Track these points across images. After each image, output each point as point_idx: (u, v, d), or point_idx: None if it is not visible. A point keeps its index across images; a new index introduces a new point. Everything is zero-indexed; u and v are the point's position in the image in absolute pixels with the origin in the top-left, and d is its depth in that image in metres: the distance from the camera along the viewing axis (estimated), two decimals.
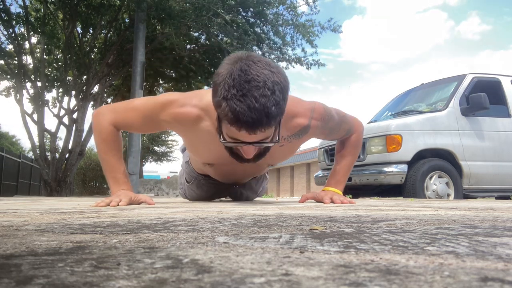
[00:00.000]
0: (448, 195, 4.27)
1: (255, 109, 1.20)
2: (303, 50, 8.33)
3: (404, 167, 4.22)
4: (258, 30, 8.13)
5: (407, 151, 4.24)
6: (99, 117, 1.68)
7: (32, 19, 8.40)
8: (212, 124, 1.52)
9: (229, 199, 2.82)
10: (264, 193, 2.70)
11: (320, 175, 5.30)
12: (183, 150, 2.43)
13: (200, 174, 2.21)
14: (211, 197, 2.41)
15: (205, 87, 11.18)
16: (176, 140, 23.14)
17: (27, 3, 8.46)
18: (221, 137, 1.39)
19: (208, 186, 2.25)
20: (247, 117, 1.21)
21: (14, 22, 7.95)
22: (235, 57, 1.30)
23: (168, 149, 23.75)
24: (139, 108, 1.65)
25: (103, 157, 1.69)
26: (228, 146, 1.43)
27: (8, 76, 8.83)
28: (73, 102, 8.70)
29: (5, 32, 8.07)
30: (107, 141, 1.66)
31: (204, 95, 1.56)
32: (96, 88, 9.03)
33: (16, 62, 8.45)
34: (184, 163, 2.34)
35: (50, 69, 9.58)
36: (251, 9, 7.78)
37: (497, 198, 4.73)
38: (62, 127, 8.60)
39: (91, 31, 8.89)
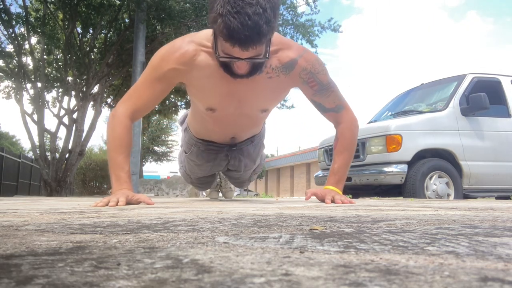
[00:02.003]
0: (448, 195, 4.27)
1: (248, 26, 1.31)
2: None
3: (404, 167, 4.22)
4: None
5: (407, 151, 4.25)
6: (114, 115, 1.74)
7: (32, 19, 8.39)
8: (210, 56, 1.63)
9: (228, 199, 2.81)
10: (262, 169, 2.68)
11: (320, 175, 5.30)
12: (182, 121, 2.43)
13: (199, 139, 2.22)
14: (211, 170, 2.40)
15: None
16: (176, 140, 23.13)
17: (27, 3, 8.46)
18: (216, 52, 1.50)
19: (207, 153, 2.26)
20: (240, 34, 1.32)
21: (14, 22, 7.94)
22: None
23: (168, 149, 23.76)
24: (146, 78, 1.74)
25: (111, 154, 1.70)
26: (223, 61, 1.53)
27: (8, 77, 8.83)
28: (73, 102, 8.71)
29: (5, 32, 8.07)
30: (117, 139, 1.70)
31: (196, 34, 1.71)
32: (96, 88, 9.03)
33: (16, 62, 8.44)
34: (183, 132, 2.37)
35: (50, 69, 9.58)
36: None
37: (497, 198, 4.74)
38: (62, 127, 8.60)
39: (91, 31, 8.88)
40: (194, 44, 1.66)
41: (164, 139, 22.94)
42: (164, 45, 1.79)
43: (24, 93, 8.41)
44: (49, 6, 8.36)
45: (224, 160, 2.32)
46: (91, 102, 8.79)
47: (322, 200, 1.86)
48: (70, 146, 8.32)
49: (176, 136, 23.34)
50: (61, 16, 8.65)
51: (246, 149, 2.30)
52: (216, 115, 1.93)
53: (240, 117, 1.93)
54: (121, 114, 1.72)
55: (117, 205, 1.50)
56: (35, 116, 8.23)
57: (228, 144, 2.22)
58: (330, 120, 1.95)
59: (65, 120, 8.59)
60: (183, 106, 12.97)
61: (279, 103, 1.96)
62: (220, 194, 3.25)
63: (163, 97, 1.83)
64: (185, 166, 2.47)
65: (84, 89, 8.45)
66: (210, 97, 1.84)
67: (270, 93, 1.82)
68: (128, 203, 1.60)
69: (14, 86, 9.10)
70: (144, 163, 22.33)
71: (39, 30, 8.02)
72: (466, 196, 4.38)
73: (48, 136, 8.66)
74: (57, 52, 9.36)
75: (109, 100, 11.36)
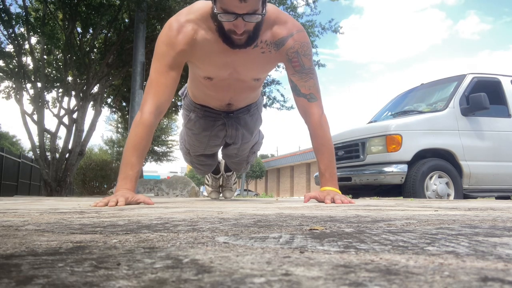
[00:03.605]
0: (448, 195, 4.27)
1: None
2: None
3: (404, 167, 4.22)
4: None
5: (407, 151, 4.25)
6: (139, 115, 1.78)
7: (32, 19, 8.39)
8: (207, 31, 1.74)
9: (228, 199, 2.82)
10: (260, 147, 2.69)
11: None
12: (183, 93, 2.46)
13: (197, 104, 2.26)
14: (209, 142, 2.40)
15: None
16: (176, 140, 23.10)
17: (27, 3, 8.46)
18: (215, 9, 1.59)
19: (205, 119, 2.28)
20: None
21: (14, 22, 7.94)
22: None
23: (168, 149, 23.75)
24: (156, 69, 1.80)
25: (126, 153, 1.73)
26: (222, 20, 1.62)
27: (8, 77, 8.83)
28: (73, 102, 8.71)
29: (5, 32, 8.07)
30: (138, 139, 1.73)
31: (190, 10, 1.79)
32: (96, 88, 9.02)
33: (16, 62, 8.44)
34: (183, 100, 2.41)
35: (50, 69, 9.57)
36: None
37: (497, 198, 4.74)
38: (62, 127, 8.60)
39: (91, 31, 8.87)
40: (192, 23, 1.75)
41: (164, 139, 22.91)
42: (164, 32, 1.83)
43: (24, 93, 8.41)
44: (49, 6, 8.35)
45: (222, 130, 2.33)
46: (91, 102, 8.79)
47: (322, 201, 1.86)
48: (70, 146, 8.32)
49: (176, 136, 23.35)
50: (61, 16, 8.64)
51: (243, 118, 2.32)
52: (213, 82, 2.01)
53: (235, 83, 2.02)
54: (147, 112, 1.76)
55: (116, 205, 1.50)
56: (35, 116, 8.22)
57: (225, 111, 2.25)
58: (299, 109, 2.00)
59: (65, 120, 8.59)
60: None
61: (267, 74, 2.12)
62: (220, 195, 3.26)
63: (178, 82, 1.87)
64: (185, 139, 2.49)
65: (84, 89, 8.45)
66: (209, 68, 1.93)
67: (262, 65, 1.94)
68: (128, 203, 1.60)
69: (14, 86, 9.10)
70: (144, 163, 22.34)
71: (39, 30, 8.01)
72: (466, 196, 4.38)
73: (48, 136, 8.66)
74: (57, 52, 9.35)
75: (109, 100, 11.36)
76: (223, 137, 2.38)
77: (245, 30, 1.66)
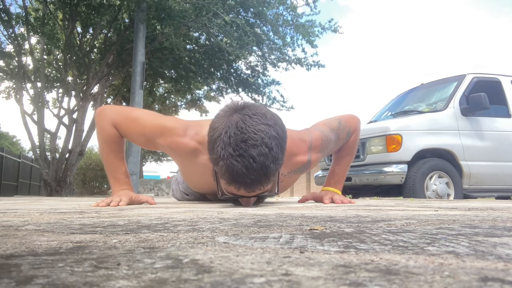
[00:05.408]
0: (448, 195, 4.27)
1: (253, 169, 1.19)
2: (303, 50, 8.31)
3: (404, 167, 4.22)
4: (258, 30, 8.12)
5: (407, 151, 4.24)
6: (102, 117, 1.68)
7: (32, 19, 8.38)
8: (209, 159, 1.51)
9: None
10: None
11: (320, 175, 5.30)
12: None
13: (196, 191, 2.14)
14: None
15: (205, 87, 11.17)
16: None
17: (27, 3, 8.46)
18: (219, 193, 1.38)
19: (205, 198, 2.17)
20: (245, 178, 1.20)
21: (14, 22, 7.94)
22: (230, 108, 1.27)
23: None
24: (139, 123, 1.64)
25: (104, 157, 1.69)
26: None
27: (8, 77, 8.83)
28: (73, 102, 8.71)
29: (5, 32, 8.07)
30: (108, 142, 1.66)
31: (204, 127, 1.49)
32: (96, 88, 9.03)
33: (16, 62, 8.44)
34: (180, 177, 2.23)
35: (50, 69, 9.58)
36: (251, 9, 7.77)
37: (497, 198, 4.73)
38: (62, 127, 8.60)
39: (91, 31, 8.88)
40: (197, 143, 1.52)
41: None
42: (174, 117, 1.68)
43: (24, 93, 8.41)
44: (49, 6, 8.35)
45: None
46: (91, 102, 8.79)
47: (321, 201, 1.86)
48: (70, 146, 8.32)
49: None
50: (61, 16, 8.64)
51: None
52: (210, 196, 1.90)
53: None
54: (107, 122, 1.65)
55: (119, 205, 1.50)
56: (35, 116, 8.23)
57: None
58: None
59: (65, 120, 8.59)
60: (183, 106, 12.98)
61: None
62: None
63: (143, 148, 1.76)
64: (177, 198, 2.36)
65: (84, 89, 8.45)
66: (202, 187, 1.78)
67: (281, 189, 1.69)
68: (130, 203, 1.60)
69: (14, 86, 9.10)
70: (144, 163, 22.30)
71: (39, 30, 8.01)
72: (466, 196, 4.38)
73: (48, 136, 8.66)
74: (57, 52, 9.36)
75: (109, 100, 11.36)
76: None
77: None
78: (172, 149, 1.58)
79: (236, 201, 1.45)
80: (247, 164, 1.18)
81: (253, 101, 1.44)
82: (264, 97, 9.48)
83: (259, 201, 1.47)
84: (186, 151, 1.55)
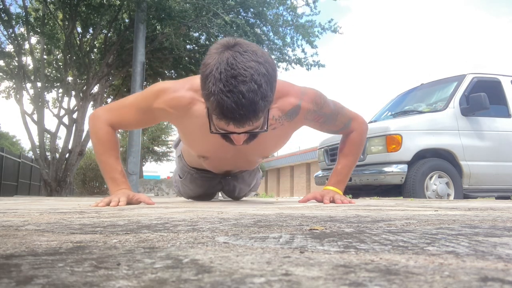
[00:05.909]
0: (448, 195, 4.27)
1: (242, 104, 1.21)
2: (303, 51, 8.31)
3: (404, 167, 4.22)
4: (258, 30, 8.12)
5: (407, 151, 4.25)
6: (95, 119, 1.69)
7: (32, 19, 8.39)
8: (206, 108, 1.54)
9: (229, 199, 2.82)
10: (258, 188, 2.68)
11: (320, 175, 5.30)
12: (176, 145, 2.42)
13: (193, 168, 2.20)
14: (205, 193, 2.40)
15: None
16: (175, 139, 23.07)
17: (27, 3, 8.46)
18: (211, 128, 1.41)
19: (201, 180, 2.25)
20: (235, 113, 1.23)
21: (14, 22, 7.94)
22: (222, 45, 1.28)
23: (168, 149, 23.75)
24: (132, 102, 1.66)
25: (100, 158, 1.69)
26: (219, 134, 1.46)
27: (8, 77, 8.83)
28: (73, 102, 8.71)
29: (5, 32, 8.07)
30: (104, 142, 1.67)
31: (195, 78, 1.53)
32: (96, 88, 9.03)
33: (16, 62, 8.44)
34: (177, 158, 2.33)
35: (50, 69, 9.58)
36: (251, 9, 7.77)
37: (497, 198, 4.73)
38: (62, 127, 8.60)
39: (91, 31, 8.87)
40: (192, 92, 1.54)
41: (164, 139, 22.91)
42: (166, 81, 1.69)
43: (24, 93, 8.41)
44: (49, 6, 8.35)
45: (218, 185, 2.32)
46: (91, 102, 8.79)
47: (321, 201, 1.86)
48: (70, 146, 8.32)
49: (176, 136, 23.30)
50: (61, 16, 8.64)
51: (241, 176, 2.29)
52: (210, 160, 1.91)
53: (236, 160, 1.90)
54: (101, 122, 1.67)
55: (118, 205, 1.50)
56: (35, 116, 8.22)
57: (222, 175, 2.22)
58: (343, 135, 1.94)
59: (65, 120, 8.59)
60: None
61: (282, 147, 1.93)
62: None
63: (146, 127, 1.76)
64: (179, 187, 2.46)
65: (84, 89, 8.45)
66: (203, 147, 1.79)
67: (274, 141, 1.76)
68: (129, 203, 1.60)
69: (14, 86, 9.10)
70: (144, 163, 22.33)
71: (39, 30, 8.01)
72: (466, 196, 4.38)
73: (48, 136, 8.66)
74: (57, 52, 9.36)
75: (109, 100, 11.35)
76: (220, 189, 2.39)
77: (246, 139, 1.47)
78: (171, 108, 1.58)
79: (227, 137, 1.47)
80: (236, 99, 1.20)
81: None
82: None
83: (250, 138, 1.48)
84: (184, 105, 1.56)
